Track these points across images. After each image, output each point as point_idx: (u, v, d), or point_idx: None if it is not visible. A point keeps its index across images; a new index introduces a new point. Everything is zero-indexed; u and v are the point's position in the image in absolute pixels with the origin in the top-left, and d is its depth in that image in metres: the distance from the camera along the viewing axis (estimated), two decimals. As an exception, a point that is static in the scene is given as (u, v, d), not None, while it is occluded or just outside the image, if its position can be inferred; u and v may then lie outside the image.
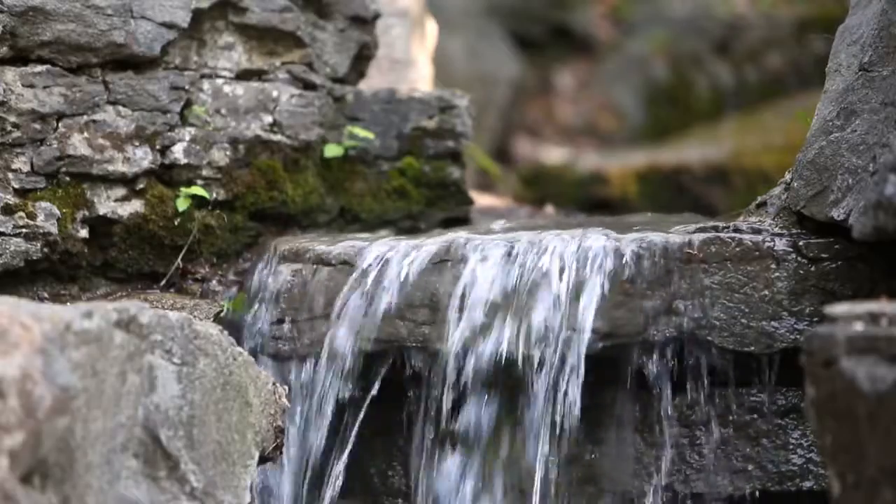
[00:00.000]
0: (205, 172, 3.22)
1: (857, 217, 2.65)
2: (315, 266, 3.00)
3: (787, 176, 2.98)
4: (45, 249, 3.03)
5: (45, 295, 3.09)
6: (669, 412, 2.85)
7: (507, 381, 2.84)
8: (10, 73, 3.03)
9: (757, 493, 2.84)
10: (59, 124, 3.07)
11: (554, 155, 6.94)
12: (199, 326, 2.45)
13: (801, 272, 2.83)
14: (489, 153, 5.90)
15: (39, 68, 3.05)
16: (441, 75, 5.06)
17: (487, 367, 2.83)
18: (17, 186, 3.03)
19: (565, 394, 2.80)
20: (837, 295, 2.80)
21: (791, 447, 2.84)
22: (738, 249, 2.84)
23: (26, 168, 3.04)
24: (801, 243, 2.85)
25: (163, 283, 3.19)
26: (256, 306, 3.06)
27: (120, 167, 3.12)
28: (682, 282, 2.83)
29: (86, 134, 3.09)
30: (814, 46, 6.62)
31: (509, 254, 2.88)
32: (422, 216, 3.45)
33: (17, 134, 3.02)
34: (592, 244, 2.86)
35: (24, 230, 3.00)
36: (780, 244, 2.85)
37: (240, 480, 2.47)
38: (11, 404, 2.02)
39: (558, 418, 2.81)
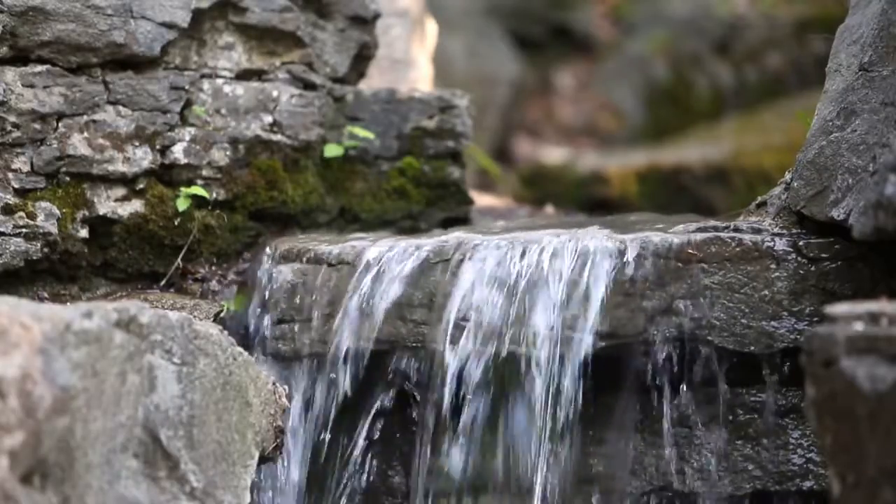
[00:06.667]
0: (205, 172, 3.22)
1: (857, 217, 2.65)
2: (315, 266, 3.00)
3: (787, 176, 2.98)
4: (45, 249, 3.03)
5: (45, 295, 3.09)
6: (669, 412, 2.85)
7: (507, 381, 2.84)
8: (10, 73, 3.03)
9: (757, 492, 2.84)
10: (59, 124, 3.07)
11: (554, 155, 6.94)
12: (199, 326, 2.45)
13: (801, 272, 2.83)
14: (489, 153, 5.90)
15: (39, 68, 3.05)
16: (441, 75, 5.06)
17: (487, 366, 2.83)
18: (17, 186, 3.03)
19: (565, 394, 2.80)
20: (837, 295, 2.79)
21: (791, 447, 2.84)
22: (738, 249, 2.84)
23: (26, 168, 3.04)
24: (801, 243, 2.85)
25: (163, 283, 3.20)
26: (256, 306, 3.06)
27: (120, 167, 3.12)
28: (683, 282, 2.83)
29: (86, 134, 3.09)
30: (814, 46, 6.62)
31: (509, 253, 2.88)
32: (422, 216, 3.45)
33: (17, 134, 3.02)
34: (592, 244, 2.86)
35: (24, 230, 3.00)
36: (780, 244, 2.85)
37: (240, 480, 2.47)
38: (11, 404, 2.02)
39: (558, 418, 2.81)
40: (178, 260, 3.20)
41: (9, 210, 3.00)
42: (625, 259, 2.84)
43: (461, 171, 3.48)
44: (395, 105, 3.46)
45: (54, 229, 3.03)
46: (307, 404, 2.95)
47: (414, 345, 2.89)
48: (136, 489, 2.32)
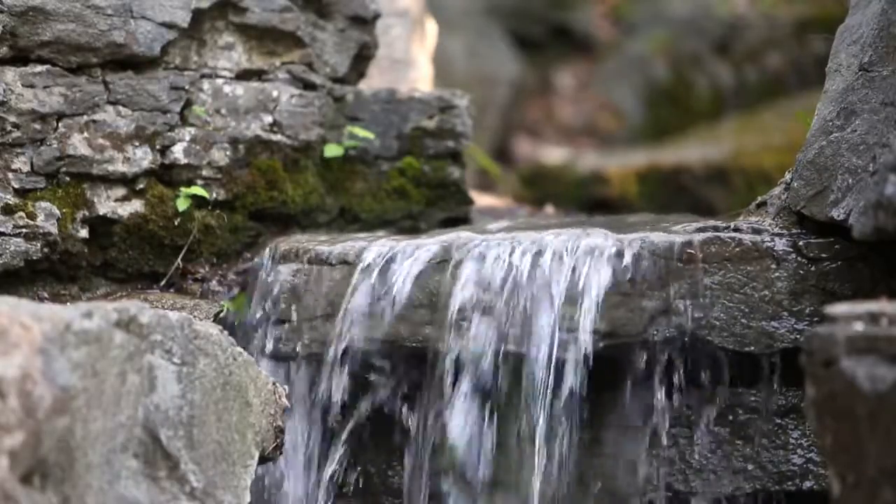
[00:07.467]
0: (205, 172, 3.22)
1: (857, 217, 2.65)
2: (315, 266, 3.00)
3: (787, 176, 2.98)
4: (45, 249, 3.03)
5: (45, 295, 3.09)
6: (669, 412, 2.85)
7: (508, 381, 2.84)
8: (10, 73, 3.03)
9: (757, 493, 2.84)
10: (59, 124, 3.07)
11: (554, 155, 6.94)
12: (199, 326, 2.45)
13: (801, 272, 2.84)
14: (489, 153, 5.90)
15: (39, 68, 3.05)
16: (441, 75, 5.06)
17: (488, 367, 2.83)
18: (17, 186, 3.03)
19: (565, 394, 2.80)
20: (837, 295, 2.80)
21: (791, 447, 2.84)
22: (738, 249, 2.84)
23: (26, 168, 3.04)
24: (801, 243, 2.85)
25: (163, 283, 3.20)
26: (256, 306, 3.06)
27: (120, 167, 3.12)
28: (683, 282, 2.83)
29: (86, 134, 3.09)
30: (814, 46, 6.62)
31: (509, 254, 2.88)
32: (422, 216, 3.45)
33: (17, 134, 3.02)
34: (592, 244, 2.86)
35: (24, 230, 3.00)
36: (780, 244, 2.85)
37: (240, 480, 2.47)
38: (11, 404, 2.02)
39: (558, 418, 2.81)
40: (178, 260, 3.20)
41: (9, 210, 3.00)
42: (624, 259, 2.84)
43: (461, 171, 3.48)
44: (395, 105, 3.46)
45: (54, 229, 3.04)
46: (307, 404, 2.95)
47: (414, 345, 2.89)
48: (136, 489, 2.32)
